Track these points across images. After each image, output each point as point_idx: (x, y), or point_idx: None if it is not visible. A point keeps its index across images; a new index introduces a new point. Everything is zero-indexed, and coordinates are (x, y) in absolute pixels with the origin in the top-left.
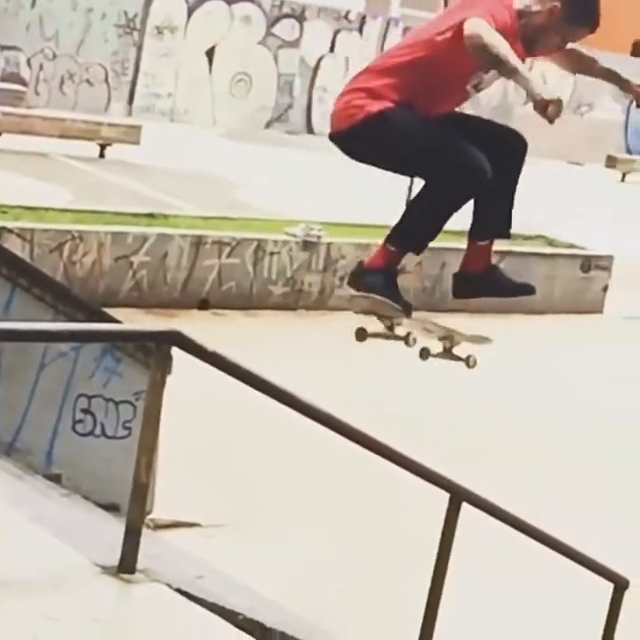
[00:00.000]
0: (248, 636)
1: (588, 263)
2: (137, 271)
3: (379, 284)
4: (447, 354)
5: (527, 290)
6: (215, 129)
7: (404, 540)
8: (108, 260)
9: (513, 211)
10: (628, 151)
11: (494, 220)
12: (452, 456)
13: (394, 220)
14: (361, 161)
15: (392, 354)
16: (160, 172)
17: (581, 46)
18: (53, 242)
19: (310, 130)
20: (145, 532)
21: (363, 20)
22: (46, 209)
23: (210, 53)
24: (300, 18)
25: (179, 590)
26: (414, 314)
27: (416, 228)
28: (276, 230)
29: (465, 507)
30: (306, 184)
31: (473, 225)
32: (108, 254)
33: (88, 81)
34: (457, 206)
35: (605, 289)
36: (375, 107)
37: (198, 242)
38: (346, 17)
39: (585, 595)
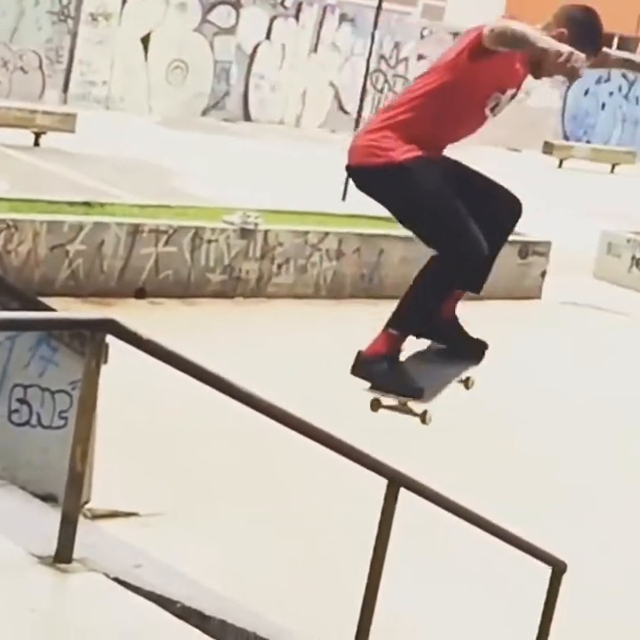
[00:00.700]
0: (186, 624)
1: (526, 249)
2: (73, 260)
3: (386, 372)
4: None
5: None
6: (151, 116)
7: (344, 527)
8: (44, 248)
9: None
10: (566, 137)
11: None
12: (391, 441)
13: (330, 207)
14: (370, 196)
15: (330, 341)
16: (96, 160)
17: None
18: None
19: (247, 117)
20: (82, 521)
21: (299, 6)
22: None
23: (145, 41)
24: (236, 4)
25: (116, 579)
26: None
27: (417, 310)
28: (213, 218)
29: (403, 492)
30: (243, 171)
31: None
32: (43, 243)
33: (22, 68)
34: (454, 283)
35: (543, 275)
36: (398, 156)
37: (135, 230)
38: (282, 4)
39: (524, 579)
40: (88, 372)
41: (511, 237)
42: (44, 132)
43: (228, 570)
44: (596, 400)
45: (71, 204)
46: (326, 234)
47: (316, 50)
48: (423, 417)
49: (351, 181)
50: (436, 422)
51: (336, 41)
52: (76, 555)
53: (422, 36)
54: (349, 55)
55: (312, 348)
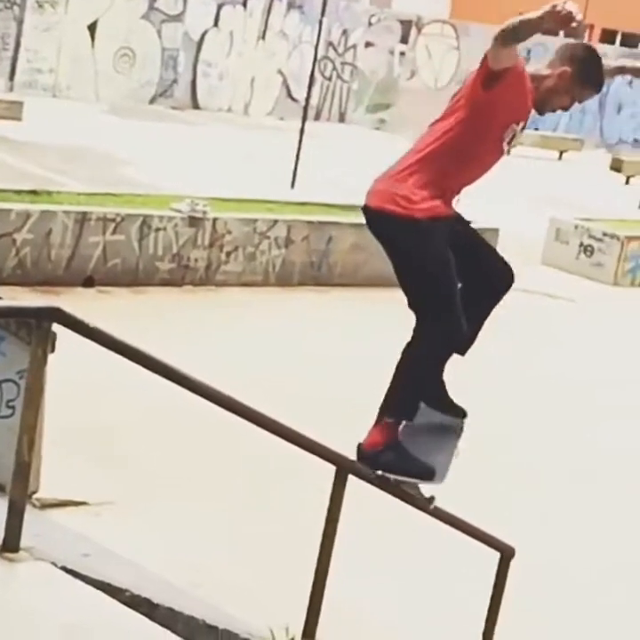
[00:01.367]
0: (134, 613)
1: None
2: (20, 249)
3: (393, 461)
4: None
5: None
6: (98, 105)
7: (293, 514)
8: None
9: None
10: None
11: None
12: (339, 425)
13: (278, 194)
14: (378, 238)
15: (279, 328)
16: (43, 148)
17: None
18: None
19: (195, 105)
20: (30, 511)
21: None
22: None
23: (92, 28)
24: None
25: (64, 568)
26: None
27: (410, 396)
28: (161, 206)
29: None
30: (191, 159)
31: None
32: None
33: None
34: (440, 360)
35: None
36: (419, 212)
37: (82, 218)
38: None
39: (472, 564)
40: (34, 360)
41: None
42: None
43: (176, 558)
44: (543, 384)
45: (18, 192)
46: (275, 222)
47: (263, 37)
48: (430, 501)
49: (367, 222)
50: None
51: (284, 28)
52: (23, 544)
53: (370, 24)
54: (297, 42)
55: (261, 335)
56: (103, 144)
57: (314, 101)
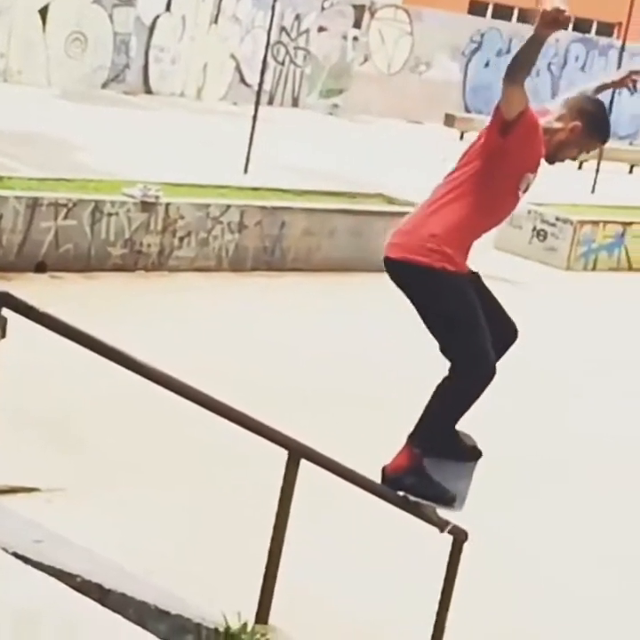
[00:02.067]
0: (86, 598)
1: None
2: None
3: (417, 484)
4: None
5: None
6: (50, 89)
7: (247, 499)
8: None
9: None
10: (467, 110)
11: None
12: (290, 409)
13: (231, 179)
14: (405, 289)
15: (232, 313)
16: None
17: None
18: None
19: (148, 90)
20: None
21: None
22: None
23: (43, 12)
24: None
25: (15, 554)
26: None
27: (438, 429)
28: (113, 191)
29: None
30: (144, 144)
31: None
32: None
33: None
34: (469, 404)
35: None
36: (441, 262)
37: (34, 203)
38: None
39: (425, 548)
40: None
41: (412, 209)
42: None
43: (129, 543)
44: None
45: None
46: (228, 207)
47: (216, 21)
48: (446, 525)
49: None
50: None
51: (237, 13)
52: None
53: (323, 8)
54: (250, 27)
55: (214, 320)
56: (55, 129)
57: (267, 86)
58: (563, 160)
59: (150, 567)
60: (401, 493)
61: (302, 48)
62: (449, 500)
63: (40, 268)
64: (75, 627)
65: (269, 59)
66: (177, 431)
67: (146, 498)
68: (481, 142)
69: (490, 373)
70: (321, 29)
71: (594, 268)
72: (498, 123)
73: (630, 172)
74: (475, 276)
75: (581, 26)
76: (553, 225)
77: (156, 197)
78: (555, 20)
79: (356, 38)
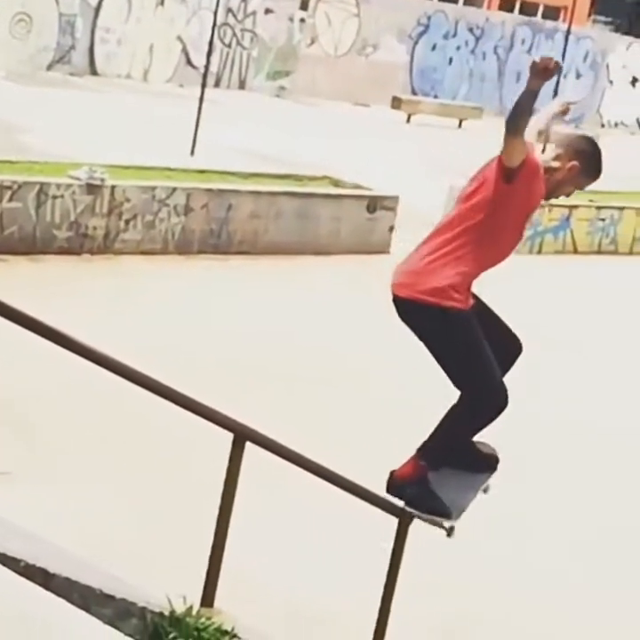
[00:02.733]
0: (30, 583)
1: (374, 204)
2: None
3: (417, 496)
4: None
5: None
6: None
7: (194, 482)
8: None
9: None
10: (414, 92)
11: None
12: (237, 392)
13: (177, 162)
14: (411, 328)
15: (179, 296)
16: None
17: None
18: None
19: (93, 71)
20: None
21: None
22: None
23: None
24: None
25: None
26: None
27: (445, 448)
28: (58, 173)
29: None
30: (89, 127)
31: None
32: None
33: None
34: (480, 427)
35: (391, 229)
36: (450, 301)
37: None
38: None
39: (373, 531)
40: None
41: (359, 192)
42: None
43: (74, 527)
44: None
45: None
46: (174, 189)
47: (162, 3)
48: (449, 532)
49: (395, 309)
50: (278, 372)
51: None
52: None
53: None
54: (197, 9)
55: (160, 303)
56: (0, 111)
57: (213, 68)
58: (558, 197)
59: (96, 552)
60: (402, 503)
61: (249, 30)
62: (445, 515)
63: None
64: (21, 611)
65: (216, 41)
66: (123, 415)
67: (91, 482)
68: (483, 196)
69: (502, 404)
70: (268, 11)
71: (540, 252)
72: (501, 173)
73: None
74: (476, 301)
75: (528, 9)
76: None
77: (102, 180)
78: (545, 69)
79: (302, 20)
